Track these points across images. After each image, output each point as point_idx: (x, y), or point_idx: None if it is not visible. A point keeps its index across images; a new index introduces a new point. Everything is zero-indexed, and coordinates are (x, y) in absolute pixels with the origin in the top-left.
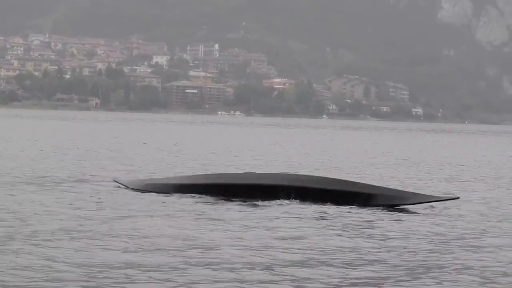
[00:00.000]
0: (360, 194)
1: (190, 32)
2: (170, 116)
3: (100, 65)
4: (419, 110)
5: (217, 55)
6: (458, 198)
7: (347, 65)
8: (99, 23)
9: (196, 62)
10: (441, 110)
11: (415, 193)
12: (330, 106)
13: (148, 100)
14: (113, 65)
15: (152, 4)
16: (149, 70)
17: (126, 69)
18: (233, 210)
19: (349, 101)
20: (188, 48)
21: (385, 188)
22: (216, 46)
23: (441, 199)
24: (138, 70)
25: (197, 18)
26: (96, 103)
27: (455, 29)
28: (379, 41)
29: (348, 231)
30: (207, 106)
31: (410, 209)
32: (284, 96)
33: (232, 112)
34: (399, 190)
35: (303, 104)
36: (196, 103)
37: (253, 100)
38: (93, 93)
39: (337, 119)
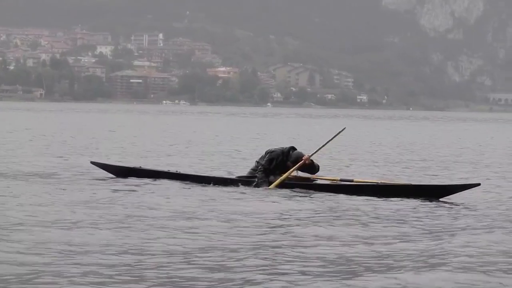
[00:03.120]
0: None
1: (133, 22)
2: (115, 106)
3: (44, 56)
4: (363, 97)
5: (162, 45)
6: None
7: (292, 53)
8: (43, 14)
9: (141, 51)
10: (386, 97)
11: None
12: (275, 94)
13: (92, 90)
14: (57, 55)
15: None
16: (94, 60)
17: (70, 60)
18: None
19: (293, 89)
20: (132, 37)
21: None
22: (161, 35)
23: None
24: (83, 60)
25: (140, 7)
26: (41, 94)
27: (399, 16)
28: (324, 28)
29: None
30: (152, 95)
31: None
32: (229, 84)
33: (176, 101)
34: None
35: (248, 93)
36: (141, 93)
37: (197, 89)
38: (38, 84)
39: (281, 107)
